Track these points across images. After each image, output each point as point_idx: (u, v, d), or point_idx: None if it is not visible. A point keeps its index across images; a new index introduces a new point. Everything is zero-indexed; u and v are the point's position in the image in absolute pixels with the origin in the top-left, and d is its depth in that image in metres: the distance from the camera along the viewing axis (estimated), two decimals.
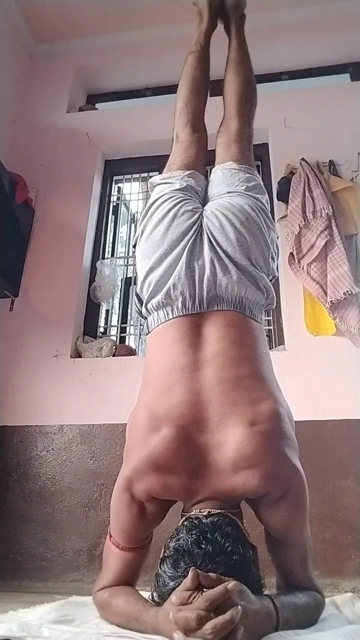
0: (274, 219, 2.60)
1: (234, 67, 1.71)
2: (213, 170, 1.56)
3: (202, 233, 1.29)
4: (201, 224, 1.31)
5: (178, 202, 1.36)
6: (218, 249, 1.26)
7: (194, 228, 1.30)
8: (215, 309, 1.19)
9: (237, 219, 1.30)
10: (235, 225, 1.29)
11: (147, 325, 1.29)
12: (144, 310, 1.30)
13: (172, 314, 1.20)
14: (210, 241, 1.27)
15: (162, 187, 1.46)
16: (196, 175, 1.50)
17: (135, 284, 1.37)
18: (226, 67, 1.74)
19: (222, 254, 1.25)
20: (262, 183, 1.51)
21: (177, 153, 1.58)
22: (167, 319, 1.21)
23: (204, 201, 1.47)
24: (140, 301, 1.32)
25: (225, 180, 1.46)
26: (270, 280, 1.34)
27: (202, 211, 1.36)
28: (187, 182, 1.45)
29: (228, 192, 1.41)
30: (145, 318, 1.31)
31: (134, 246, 1.44)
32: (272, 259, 1.36)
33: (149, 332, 1.28)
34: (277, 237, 1.44)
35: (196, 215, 1.33)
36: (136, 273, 1.37)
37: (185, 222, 1.31)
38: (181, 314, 1.19)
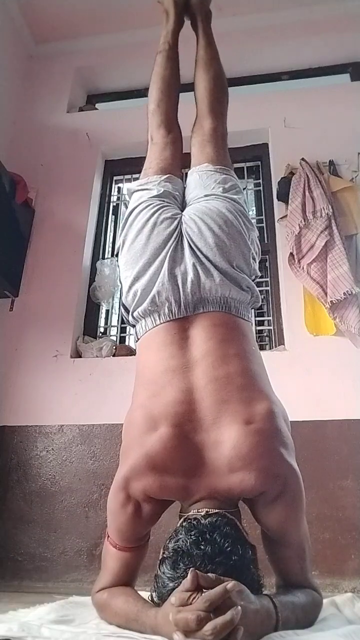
0: (273, 218, 2.62)
1: (203, 65, 1.70)
2: (189, 172, 1.55)
3: (182, 239, 1.30)
4: (181, 231, 1.32)
5: (157, 210, 1.36)
6: (199, 254, 1.26)
7: (174, 235, 1.30)
8: (202, 311, 1.19)
9: (215, 224, 1.30)
10: (214, 229, 1.29)
11: (136, 332, 1.30)
12: (130, 318, 1.31)
13: (159, 319, 1.21)
14: (190, 247, 1.27)
15: (140, 194, 1.45)
16: (173, 179, 1.50)
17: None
18: (195, 65, 1.72)
19: (203, 259, 1.26)
20: (238, 182, 1.50)
21: (152, 156, 1.57)
22: (154, 325, 1.22)
23: (182, 205, 1.46)
24: (127, 310, 1.32)
25: (202, 182, 1.46)
26: (253, 280, 1.34)
27: (181, 217, 1.36)
28: (164, 187, 1.45)
29: (205, 196, 1.41)
30: (134, 326, 1.32)
31: (116, 256, 1.43)
32: (254, 259, 1.36)
33: (138, 339, 1.28)
34: (257, 236, 1.44)
35: (175, 222, 1.33)
36: (121, 282, 1.37)
37: (166, 229, 1.31)
38: (168, 319, 1.20)
